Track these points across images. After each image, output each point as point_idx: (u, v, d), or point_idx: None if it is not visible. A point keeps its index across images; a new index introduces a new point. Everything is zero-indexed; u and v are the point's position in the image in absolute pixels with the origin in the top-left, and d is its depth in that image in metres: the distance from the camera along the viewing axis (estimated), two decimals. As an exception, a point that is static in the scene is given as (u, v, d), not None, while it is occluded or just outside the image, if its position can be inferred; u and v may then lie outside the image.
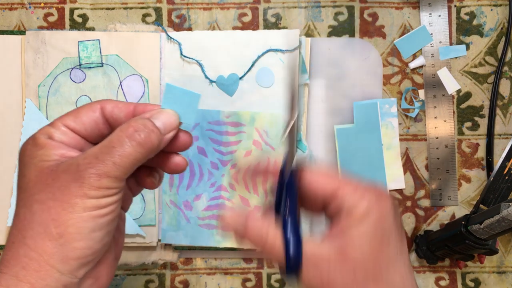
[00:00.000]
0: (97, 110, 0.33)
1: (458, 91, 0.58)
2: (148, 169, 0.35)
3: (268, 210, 0.33)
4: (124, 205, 0.37)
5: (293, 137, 0.33)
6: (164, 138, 0.32)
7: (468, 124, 0.58)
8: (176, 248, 0.57)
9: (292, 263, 0.29)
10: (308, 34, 0.58)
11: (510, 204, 0.43)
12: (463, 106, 0.58)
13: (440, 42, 0.58)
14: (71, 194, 0.29)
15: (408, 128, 0.58)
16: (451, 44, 0.58)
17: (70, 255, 0.29)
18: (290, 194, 0.31)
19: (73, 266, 0.29)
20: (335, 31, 0.58)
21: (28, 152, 0.31)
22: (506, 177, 0.55)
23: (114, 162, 0.29)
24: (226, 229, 0.31)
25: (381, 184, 0.31)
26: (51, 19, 0.58)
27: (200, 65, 0.56)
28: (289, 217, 0.30)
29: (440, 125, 0.58)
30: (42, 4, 0.58)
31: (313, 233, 0.46)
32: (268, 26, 0.58)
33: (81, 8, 0.58)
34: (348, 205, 0.30)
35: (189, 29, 0.58)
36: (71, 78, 0.56)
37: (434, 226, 0.58)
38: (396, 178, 0.57)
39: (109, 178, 0.29)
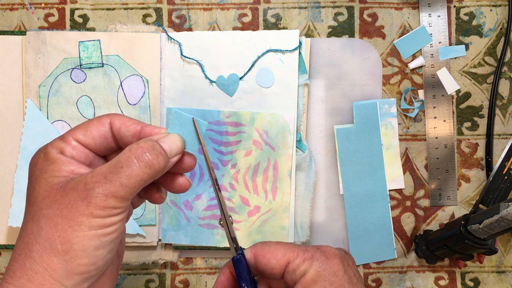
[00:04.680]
0: (106, 124, 0.34)
1: (458, 91, 0.58)
2: (156, 185, 0.36)
3: None
4: None
5: (228, 231, 0.37)
6: (169, 161, 0.33)
7: (468, 124, 0.58)
8: (176, 248, 0.57)
9: None
10: (308, 35, 0.58)
11: (509, 204, 0.43)
12: (462, 106, 0.58)
13: (440, 42, 0.58)
14: (78, 213, 0.30)
15: (408, 128, 0.58)
16: (450, 44, 0.58)
17: (74, 271, 0.30)
18: (240, 270, 0.36)
19: (77, 280, 0.30)
20: (334, 32, 0.58)
21: (39, 166, 0.32)
22: (506, 177, 0.55)
23: (121, 182, 0.30)
24: None
25: (327, 246, 0.37)
26: (52, 19, 0.58)
27: (200, 65, 0.56)
28: None
29: (440, 125, 0.58)
30: (43, 5, 0.58)
31: None
32: (268, 26, 0.58)
33: (82, 9, 0.58)
34: (300, 275, 0.34)
35: (189, 29, 0.58)
36: (71, 79, 0.56)
37: (433, 226, 0.58)
38: (395, 178, 0.58)
39: (115, 198, 0.30)
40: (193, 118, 0.35)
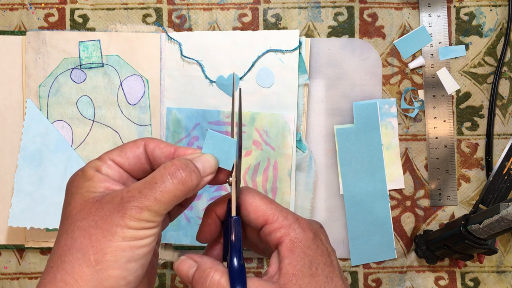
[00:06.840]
0: (140, 146, 0.35)
1: (458, 91, 0.58)
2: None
3: (216, 249, 0.39)
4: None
5: (239, 169, 0.36)
6: (202, 180, 0.34)
7: (468, 124, 0.58)
8: (177, 248, 0.57)
9: None
10: (308, 35, 0.58)
11: (509, 204, 0.43)
12: (462, 106, 0.58)
13: (440, 42, 0.58)
14: (113, 223, 0.30)
15: (408, 128, 0.58)
16: (450, 44, 0.58)
17: (104, 284, 0.30)
18: (235, 233, 0.35)
19: None
20: (334, 32, 0.58)
21: (76, 183, 0.33)
22: (506, 177, 0.55)
23: (155, 197, 0.31)
24: (179, 275, 0.35)
25: (304, 218, 0.37)
26: (52, 19, 0.58)
27: (200, 65, 0.56)
28: (235, 259, 0.34)
29: (440, 125, 0.58)
30: (43, 5, 0.58)
31: None
32: (268, 26, 0.58)
33: (82, 9, 0.58)
34: (275, 241, 0.34)
35: (189, 29, 0.58)
36: (71, 78, 0.56)
37: (433, 226, 0.58)
38: (395, 178, 0.58)
39: (149, 212, 0.31)
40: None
